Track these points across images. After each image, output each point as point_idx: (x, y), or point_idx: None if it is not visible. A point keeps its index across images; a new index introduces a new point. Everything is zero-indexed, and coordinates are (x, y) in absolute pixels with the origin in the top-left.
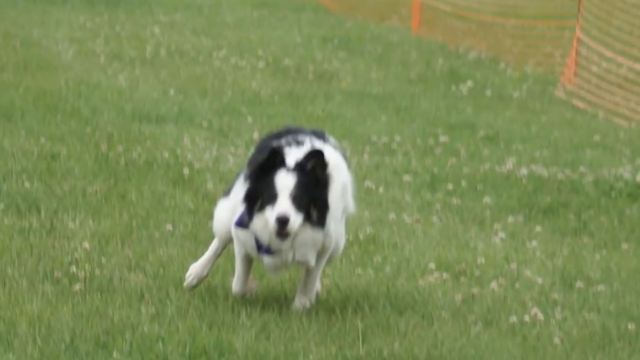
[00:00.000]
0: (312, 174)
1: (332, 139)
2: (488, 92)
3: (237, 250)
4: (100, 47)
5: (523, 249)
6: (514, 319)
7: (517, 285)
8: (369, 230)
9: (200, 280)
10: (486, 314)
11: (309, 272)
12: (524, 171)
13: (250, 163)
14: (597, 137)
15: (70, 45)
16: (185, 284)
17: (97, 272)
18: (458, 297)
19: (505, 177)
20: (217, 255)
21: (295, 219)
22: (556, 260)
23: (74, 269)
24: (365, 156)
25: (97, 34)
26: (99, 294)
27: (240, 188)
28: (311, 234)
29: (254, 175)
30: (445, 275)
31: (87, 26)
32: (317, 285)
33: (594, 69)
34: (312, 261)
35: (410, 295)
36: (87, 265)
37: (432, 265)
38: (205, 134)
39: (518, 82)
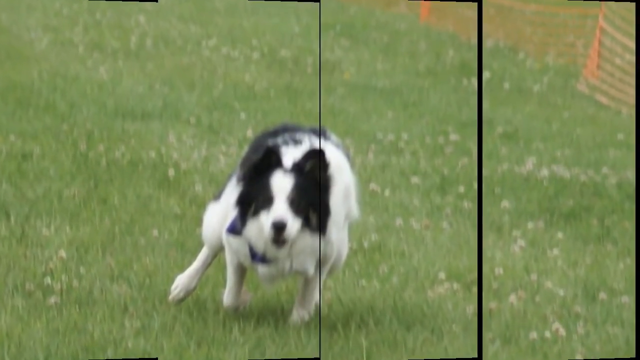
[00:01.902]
0: (312, 175)
1: (333, 137)
2: (506, 85)
3: (229, 259)
4: (79, 36)
5: (544, 257)
6: (534, 335)
7: (537, 298)
8: (374, 237)
9: (188, 293)
10: (504, 329)
11: (307, 282)
12: (544, 172)
13: (243, 163)
14: (620, 136)
15: (44, 34)
16: (170, 297)
17: (75, 283)
18: (470, 310)
19: (525, 179)
20: (207, 265)
21: (293, 225)
22: (578, 269)
23: (48, 280)
24: (370, 156)
25: (75, 22)
26: (77, 307)
27: (232, 191)
28: (310, 241)
29: (248, 177)
30: (456, 286)
31: (63, 12)
32: (316, 297)
33: (618, 61)
34: (311, 270)
35: (419, 308)
36: (63, 276)
37: (442, 275)
38: (194, 131)
39: (539, 74)
